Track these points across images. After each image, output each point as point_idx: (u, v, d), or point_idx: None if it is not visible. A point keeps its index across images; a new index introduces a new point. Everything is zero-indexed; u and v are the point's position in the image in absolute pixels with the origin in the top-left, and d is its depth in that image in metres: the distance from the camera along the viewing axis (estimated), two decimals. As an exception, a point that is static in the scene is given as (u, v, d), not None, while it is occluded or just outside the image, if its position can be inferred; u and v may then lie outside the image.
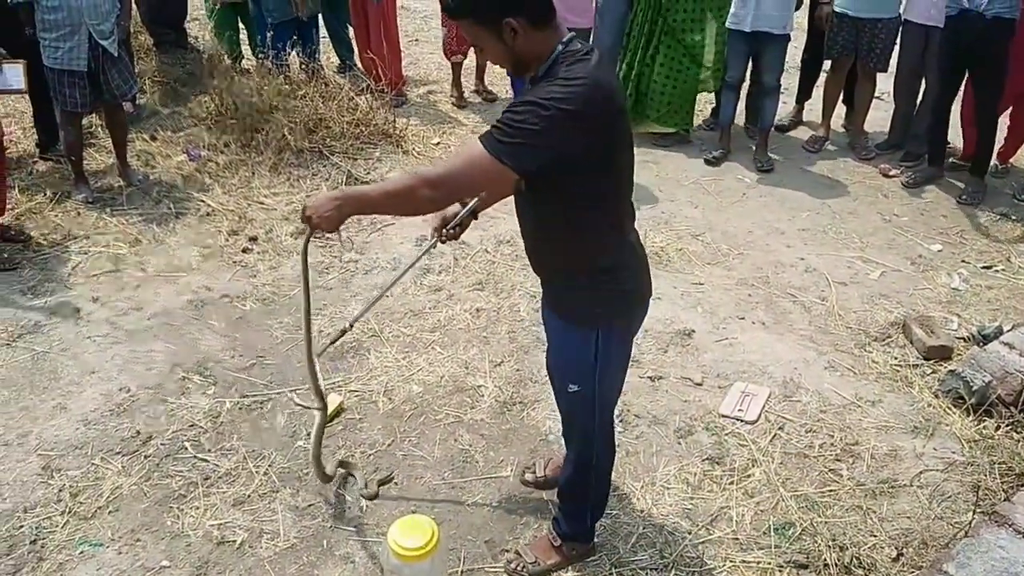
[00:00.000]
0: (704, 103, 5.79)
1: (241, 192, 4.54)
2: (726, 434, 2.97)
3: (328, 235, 1.99)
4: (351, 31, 6.12)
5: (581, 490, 2.33)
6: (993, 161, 5.07)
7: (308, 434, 2.85)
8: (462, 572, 2.44)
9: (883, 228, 4.49)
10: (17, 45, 4.07)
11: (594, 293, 2.00)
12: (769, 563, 2.48)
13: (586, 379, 2.10)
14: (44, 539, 2.50)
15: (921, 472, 2.83)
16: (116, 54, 4.20)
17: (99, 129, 5.05)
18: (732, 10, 4.85)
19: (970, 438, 2.96)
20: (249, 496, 2.67)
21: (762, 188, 4.92)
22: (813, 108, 5.71)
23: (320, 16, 6.02)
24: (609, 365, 2.09)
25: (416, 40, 7.29)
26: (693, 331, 3.51)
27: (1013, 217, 4.57)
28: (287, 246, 4.06)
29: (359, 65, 6.16)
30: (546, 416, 3.00)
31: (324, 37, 6.21)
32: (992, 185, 4.88)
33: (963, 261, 4.17)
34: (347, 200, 1.89)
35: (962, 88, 4.85)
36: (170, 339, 3.40)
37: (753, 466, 2.83)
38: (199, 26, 6.62)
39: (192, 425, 2.96)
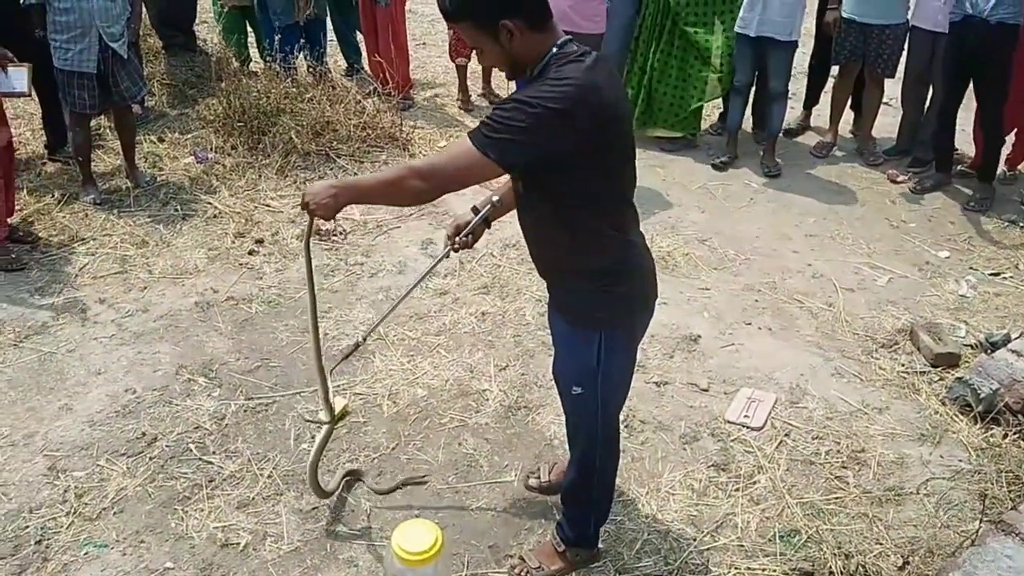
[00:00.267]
0: (711, 108, 5.78)
1: (248, 194, 4.55)
2: (732, 440, 2.96)
3: (324, 222, 2.04)
4: (359, 35, 6.14)
5: (584, 494, 2.33)
6: (1001, 167, 5.06)
7: (312, 437, 2.86)
8: (466, 577, 2.44)
9: (891, 234, 4.48)
10: (26, 47, 4.10)
11: (596, 296, 2.00)
12: (774, 570, 2.47)
13: (589, 382, 2.10)
14: (49, 540, 2.50)
15: (928, 480, 2.81)
16: (126, 56, 4.23)
17: (107, 131, 5.07)
18: (740, 13, 4.85)
19: (977, 446, 2.95)
20: (253, 499, 2.67)
21: (769, 193, 4.91)
22: (821, 114, 5.70)
23: (329, 19, 6.05)
24: (612, 369, 2.09)
25: (423, 44, 7.31)
26: (699, 336, 3.50)
27: (1021, 224, 4.55)
28: (293, 248, 4.07)
29: (366, 68, 6.17)
30: (551, 421, 3.00)
31: (332, 40, 6.24)
32: (1000, 192, 4.87)
33: (971, 268, 4.15)
34: (343, 189, 1.95)
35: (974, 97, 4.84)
36: (176, 341, 3.41)
37: (759, 473, 2.82)
38: (207, 29, 6.65)
39: (197, 427, 2.96)
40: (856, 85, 5.28)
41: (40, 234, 4.11)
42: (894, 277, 4.06)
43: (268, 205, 4.46)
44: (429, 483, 2.75)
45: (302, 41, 5.56)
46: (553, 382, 2.33)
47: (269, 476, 2.76)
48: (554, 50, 1.83)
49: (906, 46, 4.98)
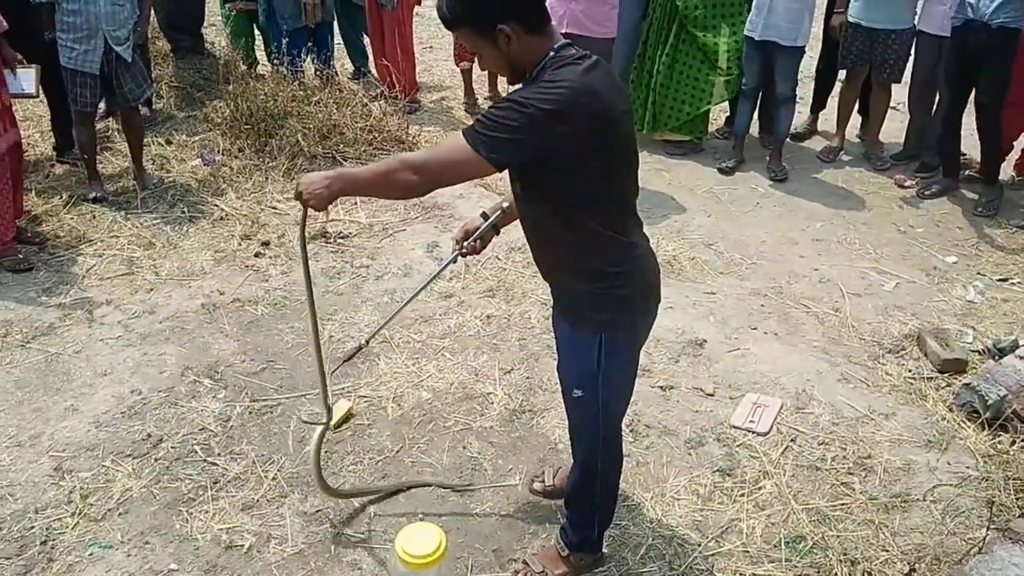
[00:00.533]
0: (718, 112, 5.78)
1: (254, 197, 4.56)
2: (737, 445, 2.95)
3: (318, 213, 2.06)
4: (366, 38, 6.16)
5: (587, 497, 2.32)
6: (1010, 172, 5.04)
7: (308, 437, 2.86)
8: (469, 580, 2.43)
9: (898, 239, 4.46)
10: (35, 49, 4.12)
11: (597, 297, 2.00)
12: (779, 576, 2.46)
13: (590, 384, 2.10)
14: (54, 540, 2.51)
15: (934, 487, 2.80)
16: (130, 59, 4.27)
17: (116, 133, 5.10)
18: (749, 16, 4.84)
19: (985, 453, 2.93)
20: (258, 501, 2.67)
21: (776, 198, 4.90)
22: (828, 118, 5.68)
23: (336, 23, 6.07)
24: (613, 371, 2.09)
25: (430, 47, 7.32)
26: (705, 341, 3.49)
27: (1030, 229, 4.53)
28: (299, 251, 4.07)
29: (373, 72, 6.19)
30: (555, 425, 2.99)
31: (338, 43, 6.25)
32: (1008, 197, 4.85)
33: (979, 273, 4.13)
34: (336, 180, 1.96)
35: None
36: (182, 342, 3.42)
37: (764, 478, 2.81)
38: (215, 32, 6.68)
39: (202, 429, 2.97)
40: (863, 89, 5.27)
41: (48, 235, 4.13)
42: (901, 282, 4.04)
43: (274, 208, 4.47)
44: (433, 487, 2.75)
45: (309, 44, 5.58)
46: (558, 385, 2.33)
47: (273, 478, 2.76)
48: (551, 53, 1.85)
49: (913, 51, 4.97)
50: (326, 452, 2.77)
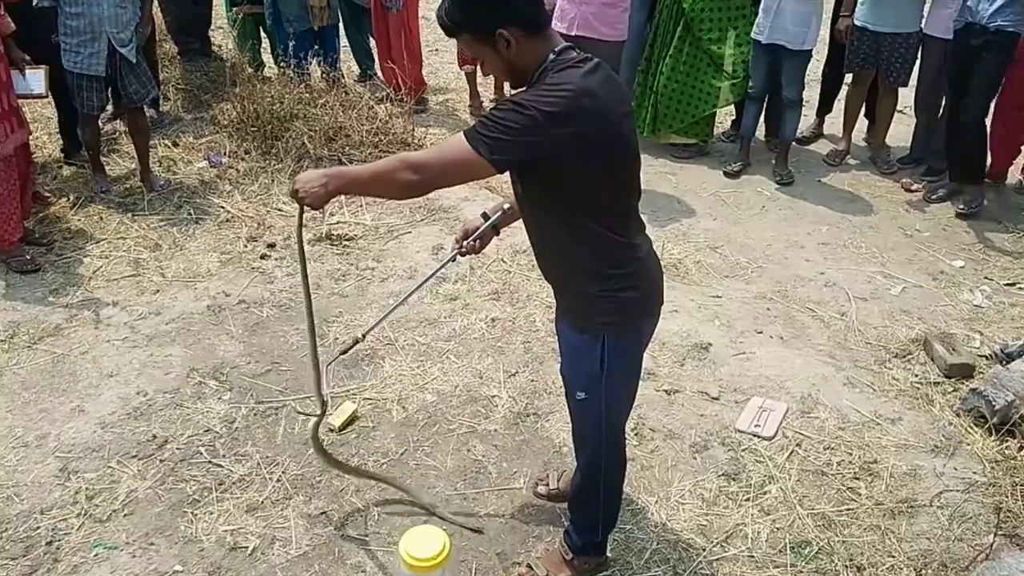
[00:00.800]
0: (724, 115, 5.77)
1: (260, 199, 4.57)
2: (742, 450, 2.94)
3: (315, 211, 2.06)
4: (372, 41, 6.17)
5: (591, 501, 2.31)
6: (1018, 177, 5.02)
7: (323, 441, 2.86)
8: (473, 584, 2.43)
9: (904, 243, 4.45)
10: (43, 50, 4.14)
11: (599, 300, 2.00)
12: (784, 582, 2.45)
13: (593, 387, 2.10)
14: (60, 541, 2.52)
15: (941, 492, 2.78)
16: (134, 61, 4.29)
17: (123, 135, 5.11)
18: (756, 19, 4.84)
19: (992, 458, 2.91)
20: (262, 502, 2.68)
21: (782, 201, 4.89)
22: (834, 121, 5.67)
23: (342, 26, 6.08)
24: (616, 374, 2.09)
25: (435, 50, 7.32)
26: (710, 344, 3.49)
27: (1037, 234, 4.51)
28: (306, 257, 4.07)
29: (379, 74, 6.21)
30: (560, 428, 2.99)
31: (344, 46, 6.27)
32: (1016, 201, 4.84)
33: (986, 278, 4.11)
34: (334, 178, 1.95)
35: (992, 104, 4.81)
36: (188, 344, 3.43)
37: (770, 483, 2.80)
38: (222, 35, 6.69)
39: (207, 430, 2.97)
40: (870, 93, 5.26)
41: (55, 237, 4.15)
42: (908, 286, 4.03)
43: (280, 210, 4.48)
44: (437, 489, 2.75)
45: (315, 47, 5.59)
46: (563, 387, 2.33)
47: (278, 480, 2.76)
48: (552, 56, 1.85)
49: (919, 54, 4.96)
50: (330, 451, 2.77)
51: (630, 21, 4.89)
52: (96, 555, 2.48)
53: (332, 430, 2.97)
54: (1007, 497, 2.73)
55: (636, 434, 2.96)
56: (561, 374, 2.25)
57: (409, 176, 1.83)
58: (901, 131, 5.50)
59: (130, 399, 3.11)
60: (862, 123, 5.52)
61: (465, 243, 2.27)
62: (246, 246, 4.15)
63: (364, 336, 2.39)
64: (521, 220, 2.14)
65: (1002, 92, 4.78)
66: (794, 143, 5.32)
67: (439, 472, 2.82)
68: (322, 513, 2.65)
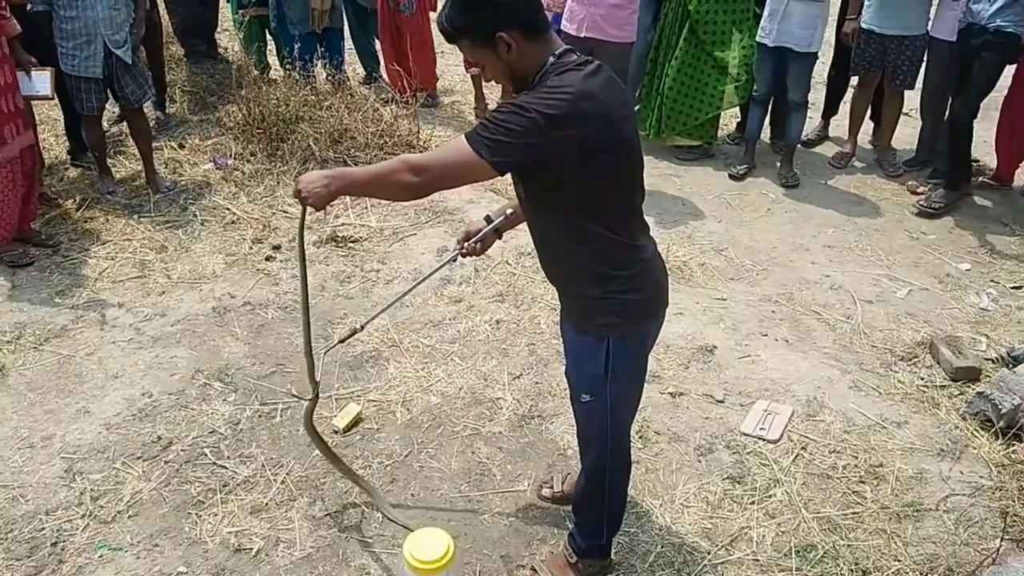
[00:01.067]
0: (729, 117, 5.76)
1: (266, 201, 4.58)
2: (747, 453, 2.94)
3: (317, 211, 2.08)
4: (377, 43, 6.19)
5: (596, 503, 2.31)
6: (1024, 180, 5.02)
7: (328, 442, 2.86)
8: (477, 586, 2.43)
9: (910, 246, 4.43)
10: (49, 52, 4.16)
11: (602, 301, 2.00)
12: (789, 585, 2.44)
13: (597, 389, 2.10)
14: (64, 542, 2.52)
15: (947, 496, 2.77)
16: (130, 62, 4.32)
17: (129, 137, 5.12)
18: (761, 23, 4.84)
19: (998, 462, 2.90)
20: (267, 504, 2.68)
21: (787, 204, 4.88)
22: (839, 124, 5.66)
23: (347, 28, 6.10)
24: (620, 376, 2.08)
25: (442, 52, 7.32)
26: (715, 347, 3.48)
27: (1044, 237, 4.50)
28: (309, 255, 4.09)
29: (384, 76, 6.22)
30: (564, 430, 2.98)
31: (350, 48, 6.28)
32: (1022, 204, 4.81)
33: (992, 280, 4.10)
34: (336, 179, 1.97)
35: (998, 107, 4.80)
36: (193, 345, 3.43)
37: (775, 486, 2.79)
38: (228, 37, 6.72)
39: (212, 431, 2.97)
40: (875, 95, 5.25)
41: (61, 238, 4.16)
42: (914, 289, 4.02)
43: (286, 211, 4.49)
44: (441, 491, 2.75)
45: (321, 49, 5.61)
46: (567, 390, 2.32)
47: (283, 482, 2.76)
48: (552, 59, 1.86)
49: (925, 57, 4.95)
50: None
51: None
52: (101, 556, 2.48)
53: (337, 432, 2.97)
54: (1014, 501, 2.72)
55: (641, 437, 2.96)
56: (566, 376, 2.25)
57: (410, 178, 1.84)
58: (907, 134, 5.48)
59: (135, 400, 3.11)
60: (867, 126, 5.50)
61: (467, 244, 2.28)
62: (251, 248, 4.16)
63: (363, 326, 2.41)
64: (525, 222, 2.14)
65: (1009, 95, 4.77)
66: (799, 146, 5.30)
67: (443, 474, 2.82)
68: (326, 515, 2.65)
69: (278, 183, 4.73)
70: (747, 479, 2.82)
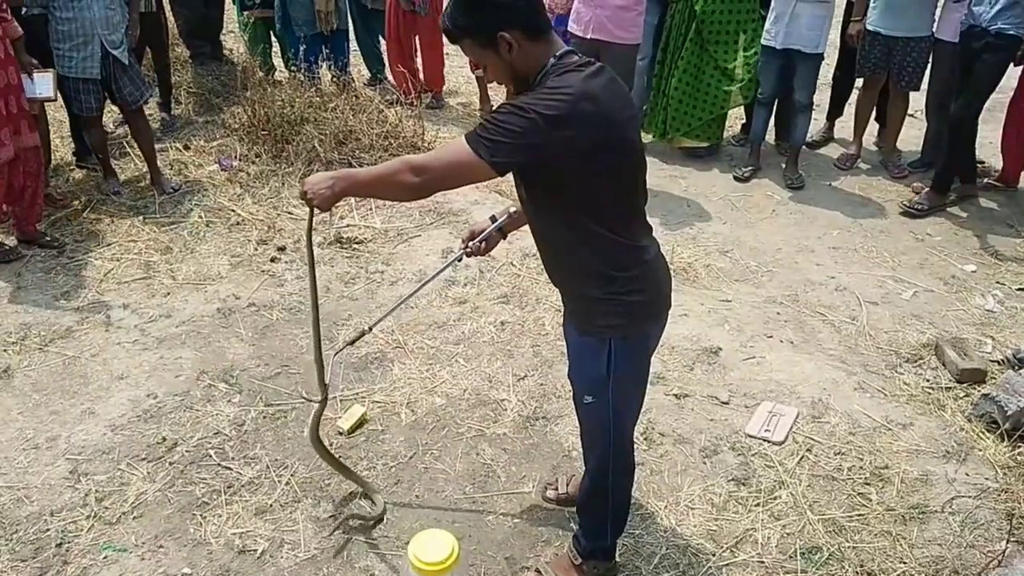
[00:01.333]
0: (734, 118, 5.76)
1: (271, 202, 4.59)
2: (752, 455, 2.93)
3: (322, 212, 2.10)
4: (384, 44, 6.20)
5: (599, 505, 2.31)
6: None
7: (331, 444, 2.87)
8: (482, 588, 2.43)
9: (915, 247, 4.42)
10: (40, 56, 4.18)
11: (604, 303, 2.00)
12: (795, 588, 2.44)
13: (600, 391, 2.10)
14: (69, 543, 2.53)
15: (953, 498, 2.76)
16: (126, 62, 4.35)
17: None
18: (766, 26, 4.83)
19: (1004, 464, 2.89)
20: (271, 505, 2.68)
21: (792, 205, 4.87)
22: (844, 125, 5.65)
23: (352, 30, 6.11)
24: (623, 378, 2.08)
25: (447, 54, 7.33)
26: (720, 349, 3.47)
27: (1050, 238, 4.48)
28: (315, 256, 4.08)
29: (389, 78, 6.23)
30: (569, 432, 2.98)
31: (355, 50, 6.29)
32: (1029, 206, 4.81)
33: (998, 282, 4.08)
34: (340, 180, 1.99)
35: (1004, 110, 4.78)
36: (198, 346, 3.44)
37: (780, 488, 2.79)
38: (234, 39, 6.73)
39: (217, 433, 2.98)
40: (881, 97, 5.24)
41: (66, 239, 4.17)
42: (919, 291, 4.00)
43: (291, 213, 4.49)
44: (446, 493, 2.75)
45: (326, 51, 5.62)
46: (571, 391, 2.32)
47: (287, 483, 2.77)
48: (552, 60, 1.87)
49: (931, 59, 4.93)
50: (339, 456, 2.77)
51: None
52: (105, 557, 2.48)
53: (341, 433, 2.98)
54: (1019, 503, 2.70)
55: (645, 438, 2.95)
56: (569, 378, 2.25)
57: (411, 178, 1.85)
58: (912, 135, 5.47)
59: (140, 401, 3.12)
60: (873, 127, 5.50)
61: (471, 244, 2.28)
62: (256, 249, 4.16)
63: (371, 328, 2.42)
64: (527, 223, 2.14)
65: (1015, 97, 4.76)
66: (804, 147, 5.30)
67: (448, 476, 2.82)
68: (331, 516, 2.64)
69: (283, 184, 4.74)
70: (752, 481, 2.81)
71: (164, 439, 2.94)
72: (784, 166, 5.18)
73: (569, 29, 4.67)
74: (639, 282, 2.00)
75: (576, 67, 1.85)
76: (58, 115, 5.24)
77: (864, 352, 3.52)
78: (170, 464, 2.83)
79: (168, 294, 3.80)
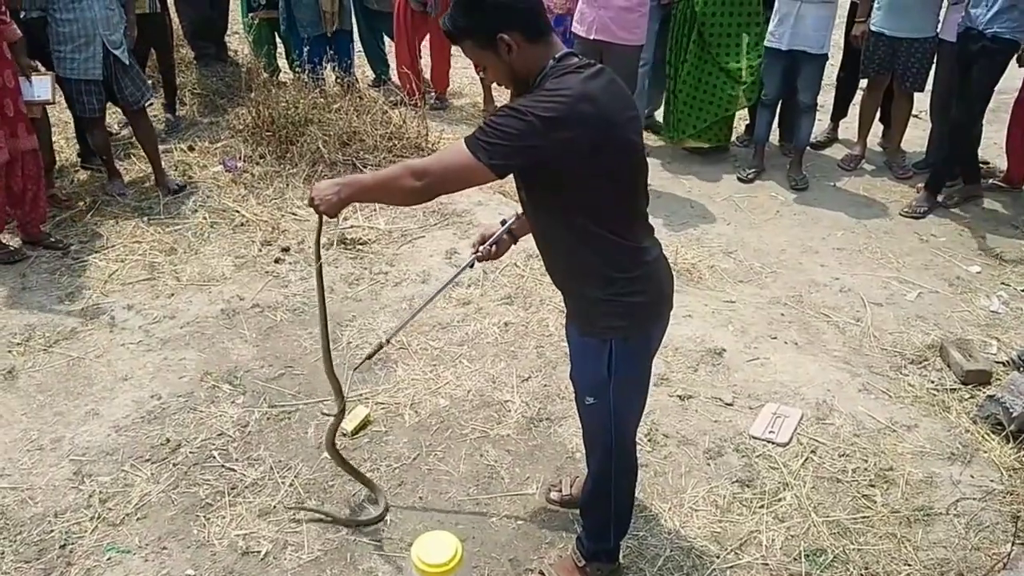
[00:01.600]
0: (738, 119, 5.74)
1: (275, 203, 4.60)
2: (757, 456, 2.92)
3: (330, 219, 2.14)
4: (388, 45, 6.21)
5: (602, 506, 2.30)
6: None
7: (336, 446, 2.87)
8: (485, 590, 2.43)
9: (920, 248, 4.41)
10: (45, 59, 4.19)
11: (606, 304, 2.00)
12: (799, 590, 2.43)
13: (601, 392, 2.09)
14: (73, 544, 2.53)
15: (958, 500, 2.75)
16: (127, 62, 4.36)
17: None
18: (770, 28, 4.82)
19: (1009, 466, 2.88)
20: (275, 507, 2.68)
21: (796, 206, 4.86)
22: (849, 126, 5.64)
23: (357, 31, 6.12)
24: (624, 379, 2.08)
25: (453, 55, 7.34)
26: (724, 350, 3.47)
27: (1056, 239, 4.46)
28: (321, 263, 4.08)
29: (394, 79, 6.23)
30: (573, 433, 2.98)
31: (359, 51, 6.30)
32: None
33: (1003, 283, 4.07)
34: (346, 186, 2.02)
35: (1008, 111, 4.77)
36: (201, 347, 3.44)
37: (784, 490, 2.78)
38: (238, 40, 6.74)
39: (221, 434, 2.98)
40: (885, 97, 5.22)
41: (71, 240, 4.18)
42: (923, 292, 3.99)
43: (295, 214, 4.50)
44: (449, 494, 2.75)
45: (330, 52, 5.62)
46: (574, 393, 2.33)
47: (291, 484, 2.77)
48: (552, 62, 1.87)
49: (935, 60, 4.92)
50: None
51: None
52: (109, 559, 2.49)
53: (345, 434, 2.97)
54: (1025, 506, 2.70)
55: (649, 440, 2.95)
56: (571, 379, 2.25)
57: (413, 182, 1.86)
58: (916, 136, 5.46)
59: (144, 403, 3.12)
60: (877, 128, 5.48)
61: (481, 248, 2.28)
62: (260, 250, 4.17)
63: (388, 340, 2.42)
64: None
65: (1020, 97, 4.74)
66: (809, 148, 5.29)
67: (451, 477, 2.82)
68: (334, 518, 2.64)
69: (287, 186, 4.74)
70: (756, 483, 2.81)
71: (168, 440, 2.94)
72: (788, 167, 5.17)
73: (573, 29, 4.67)
74: (640, 283, 2.00)
75: (575, 69, 1.85)
76: (63, 116, 5.25)
77: (868, 353, 3.51)
78: (174, 465, 2.84)
79: (172, 295, 3.81)
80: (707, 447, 2.95)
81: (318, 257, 2.38)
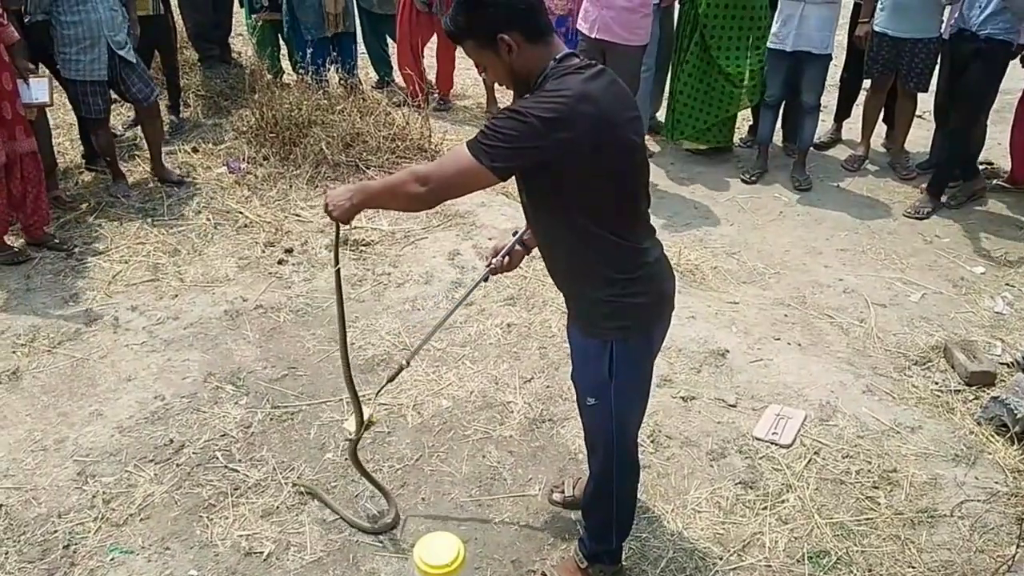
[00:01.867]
0: (741, 120, 5.74)
1: (278, 204, 4.60)
2: (760, 458, 2.92)
3: (345, 225, 2.16)
4: (391, 47, 6.22)
5: (604, 507, 2.30)
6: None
7: (337, 446, 2.87)
8: (488, 591, 2.42)
9: (924, 249, 4.40)
10: (49, 62, 4.20)
11: (608, 305, 2.00)
12: (802, 592, 2.42)
13: (602, 393, 2.09)
14: (76, 544, 2.53)
15: (962, 502, 2.74)
16: (133, 61, 4.39)
17: (143, 140, 5.16)
18: (773, 29, 4.82)
19: (1014, 468, 2.87)
20: (278, 508, 2.68)
21: (799, 207, 4.86)
22: (852, 127, 5.63)
23: (360, 33, 6.13)
24: (625, 380, 2.08)
25: (457, 56, 7.35)
26: (727, 351, 3.46)
27: (1061, 240, 4.45)
28: (322, 258, 4.10)
29: (397, 80, 6.24)
30: (576, 434, 2.97)
31: (362, 53, 6.31)
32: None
33: (1007, 284, 4.06)
34: (357, 193, 2.04)
35: (1012, 111, 4.76)
36: (205, 348, 3.45)
37: (787, 491, 2.77)
38: (242, 42, 6.76)
39: (224, 435, 2.98)
40: (888, 98, 5.21)
41: (75, 242, 4.19)
42: (927, 293, 3.98)
43: (298, 215, 4.50)
44: (452, 495, 2.75)
45: (333, 54, 5.64)
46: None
47: (294, 485, 2.77)
48: (552, 63, 1.87)
49: (939, 60, 4.91)
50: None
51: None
52: (112, 559, 2.49)
53: (348, 437, 2.97)
54: (1030, 508, 2.69)
55: (652, 441, 2.95)
56: (572, 380, 2.25)
57: (417, 188, 1.87)
58: (920, 137, 5.45)
59: (147, 403, 3.13)
60: (880, 128, 5.48)
61: (494, 260, 2.29)
62: (264, 251, 4.17)
63: (408, 362, 2.43)
64: None
65: (1023, 99, 4.73)
66: (812, 149, 5.28)
67: (454, 478, 2.82)
68: (337, 519, 2.64)
69: (291, 187, 4.75)
70: (759, 484, 2.80)
71: (171, 441, 2.94)
72: (792, 168, 5.16)
73: (577, 26, 4.67)
74: (641, 284, 2.00)
75: (576, 69, 1.85)
76: (67, 118, 5.27)
77: (872, 355, 3.51)
78: (177, 466, 2.84)
79: (176, 296, 3.81)
80: (710, 448, 2.95)
81: (337, 262, 2.38)
